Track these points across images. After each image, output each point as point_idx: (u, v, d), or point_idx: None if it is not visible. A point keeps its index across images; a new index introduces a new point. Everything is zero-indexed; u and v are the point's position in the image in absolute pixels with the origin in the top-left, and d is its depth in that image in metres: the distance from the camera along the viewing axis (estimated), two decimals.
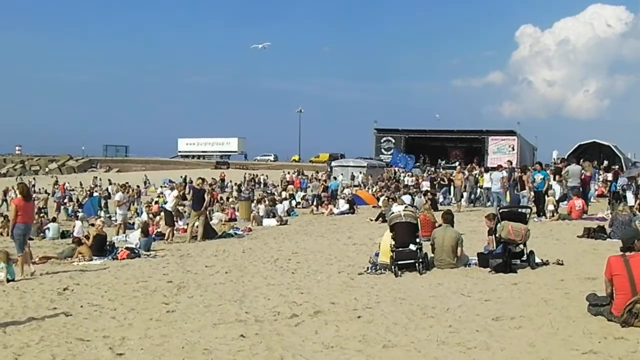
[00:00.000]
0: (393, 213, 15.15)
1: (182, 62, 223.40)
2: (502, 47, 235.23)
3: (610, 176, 44.41)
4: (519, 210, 15.86)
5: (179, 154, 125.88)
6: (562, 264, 14.14)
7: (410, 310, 10.33)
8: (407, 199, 32.79)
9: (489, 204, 32.76)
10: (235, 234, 25.12)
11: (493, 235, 14.56)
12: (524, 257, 14.06)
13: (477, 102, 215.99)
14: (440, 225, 18.70)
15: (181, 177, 64.63)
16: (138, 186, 52.27)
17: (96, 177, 72.61)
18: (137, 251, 19.49)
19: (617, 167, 56.26)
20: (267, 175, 73.27)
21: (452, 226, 15.47)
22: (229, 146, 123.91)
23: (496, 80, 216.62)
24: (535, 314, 9.68)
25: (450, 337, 8.49)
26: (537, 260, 14.08)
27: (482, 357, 7.65)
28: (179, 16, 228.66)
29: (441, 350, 7.97)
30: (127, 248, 19.56)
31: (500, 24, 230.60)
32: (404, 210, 14.93)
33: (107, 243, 20.05)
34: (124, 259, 18.61)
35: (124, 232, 25.33)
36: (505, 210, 15.51)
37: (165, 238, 23.45)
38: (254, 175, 72.96)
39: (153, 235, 23.04)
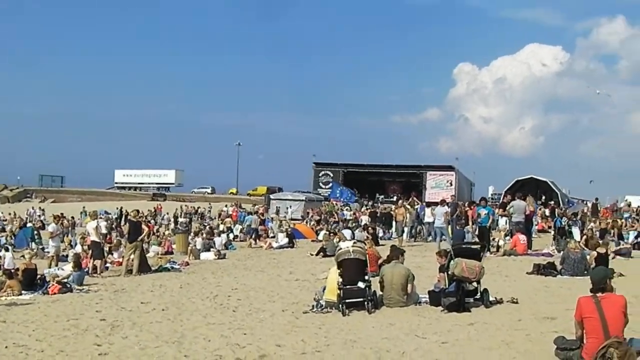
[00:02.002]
0: (341, 249, 14.29)
1: (119, 94, 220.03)
2: (440, 84, 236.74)
3: (547, 212, 44.64)
4: (472, 247, 15.25)
5: (116, 185, 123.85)
6: (517, 302, 13.61)
7: (363, 354, 9.57)
8: (347, 233, 32.21)
9: (430, 238, 32.42)
10: (172, 267, 24.12)
11: (445, 273, 13.86)
12: (478, 295, 13.46)
13: (414, 137, 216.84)
14: (385, 261, 18.19)
15: (117, 208, 63.30)
16: (72, 217, 50.68)
17: (32, 208, 70.65)
18: (69, 285, 18.40)
19: (553, 202, 56.74)
20: (209, 208, 72.10)
21: (402, 262, 14.76)
22: (167, 178, 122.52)
23: (433, 117, 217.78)
24: (498, 359, 9.01)
25: None
26: (491, 298, 13.47)
27: None
28: (115, 46, 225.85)
29: None
30: (58, 282, 18.45)
31: (438, 62, 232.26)
32: (353, 246, 14.14)
33: (38, 276, 18.93)
34: (55, 293, 17.50)
35: (57, 265, 24.12)
36: (459, 246, 14.87)
37: (98, 272, 22.35)
38: (193, 207, 71.65)
39: (87, 269, 21.93)
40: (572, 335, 9.13)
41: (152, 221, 53.61)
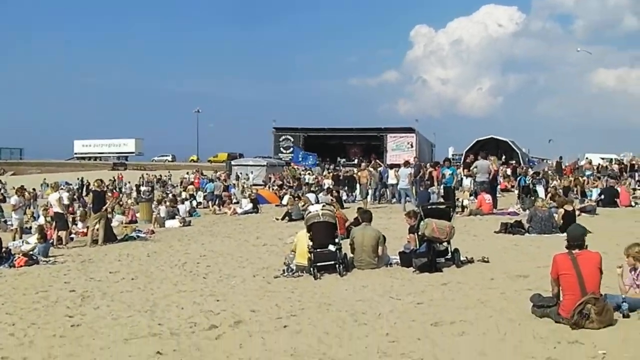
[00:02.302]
0: (310, 212, 14.19)
1: (77, 62, 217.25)
2: (397, 47, 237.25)
3: (509, 171, 44.91)
4: (442, 207, 15.18)
5: (75, 155, 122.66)
6: (488, 262, 13.67)
7: (339, 317, 9.49)
8: (311, 197, 32.16)
9: (394, 200, 32.43)
10: (138, 236, 23.79)
11: (415, 233, 13.81)
12: (449, 256, 13.47)
13: (373, 100, 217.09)
14: (353, 224, 18.14)
15: (78, 179, 62.65)
16: (34, 189, 49.96)
17: None
18: (35, 257, 18.08)
19: (514, 161, 57.14)
20: (169, 176, 71.57)
21: (370, 224, 14.69)
22: (126, 147, 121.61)
23: (391, 79, 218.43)
24: (475, 317, 8.99)
25: (391, 348, 7.69)
26: (462, 258, 13.49)
27: None
28: (71, 14, 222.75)
29: None
30: (24, 255, 18.14)
31: (395, 24, 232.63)
32: (322, 209, 14.04)
33: (3, 249, 18.58)
34: (21, 266, 17.13)
35: (21, 237, 23.75)
36: (428, 207, 14.77)
37: (64, 243, 22.03)
38: (154, 176, 71.03)
39: (51, 241, 21.61)
40: (546, 292, 9.15)
41: (116, 190, 53.22)
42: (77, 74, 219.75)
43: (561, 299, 8.52)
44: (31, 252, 18.47)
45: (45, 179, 62.91)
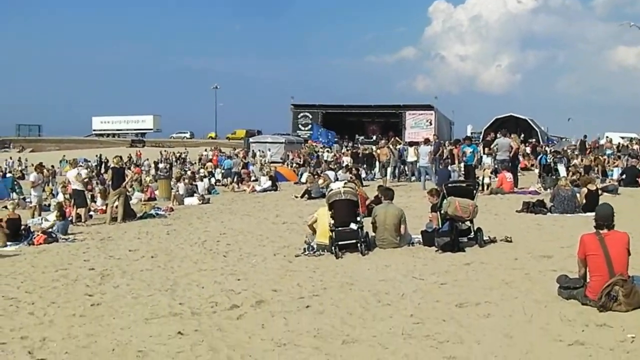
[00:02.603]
0: (332, 190, 14.05)
1: (95, 40, 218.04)
2: (415, 23, 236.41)
3: (529, 150, 44.60)
4: (465, 185, 15.01)
5: (94, 132, 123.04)
6: (511, 241, 13.52)
7: (363, 297, 9.38)
8: (330, 174, 32.06)
9: (413, 178, 32.30)
10: (157, 214, 23.77)
11: (437, 212, 13.65)
12: (471, 235, 13.33)
13: (391, 77, 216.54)
14: (373, 202, 18.01)
15: (96, 156, 62.77)
16: (53, 166, 50.04)
17: (10, 158, 69.70)
18: (54, 235, 18.06)
19: (534, 140, 56.75)
20: (187, 153, 71.67)
21: (392, 202, 14.54)
22: (144, 124, 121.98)
23: (409, 56, 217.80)
24: (500, 298, 8.86)
25: (416, 329, 7.58)
26: (485, 237, 13.34)
27: (458, 353, 6.74)
28: None
29: (410, 345, 7.05)
30: (43, 232, 18.11)
31: (413, 0, 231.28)
32: (344, 187, 13.87)
33: (22, 227, 18.58)
34: (40, 244, 17.11)
35: (40, 215, 23.73)
36: (451, 185, 14.57)
37: (83, 220, 22.02)
38: (173, 153, 71.10)
39: (70, 218, 21.61)
40: (572, 273, 9.01)
41: (138, 167, 53.44)
42: (96, 52, 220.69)
43: (588, 280, 8.37)
44: (50, 230, 18.47)
45: (64, 155, 63.24)
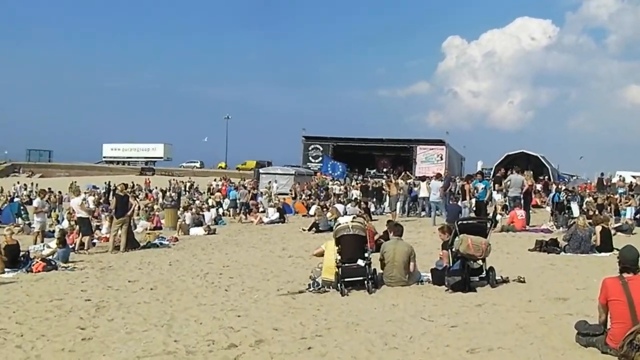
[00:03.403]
0: (340, 224, 13.51)
1: (108, 66, 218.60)
2: (428, 58, 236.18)
3: (540, 187, 44.08)
4: (478, 222, 14.49)
5: (104, 159, 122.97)
6: (524, 282, 12.97)
7: (368, 339, 8.85)
8: (340, 207, 31.65)
9: (423, 213, 31.94)
10: (161, 243, 23.44)
11: (448, 250, 13.12)
12: (483, 274, 12.78)
13: (403, 111, 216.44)
14: (382, 237, 17.54)
15: (105, 182, 62.48)
16: (60, 192, 49.78)
17: (17, 183, 69.35)
18: (54, 263, 17.66)
19: (545, 177, 56.27)
20: (193, 182, 71.34)
21: (402, 238, 14.04)
22: (155, 152, 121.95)
23: (422, 90, 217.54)
24: (514, 344, 8.32)
25: None
26: (497, 277, 12.80)
27: None
28: (102, 20, 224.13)
29: None
30: (43, 260, 17.69)
31: (427, 35, 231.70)
32: (352, 221, 13.32)
33: (22, 253, 18.15)
34: (39, 271, 16.78)
35: (42, 241, 23.31)
36: (464, 222, 14.05)
37: (86, 248, 21.63)
38: (182, 182, 70.70)
39: (73, 245, 21.20)
40: (589, 318, 8.54)
41: (149, 193, 53.44)
42: (108, 78, 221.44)
43: (609, 327, 7.85)
44: (50, 257, 18.06)
45: (74, 181, 62.91)
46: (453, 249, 12.80)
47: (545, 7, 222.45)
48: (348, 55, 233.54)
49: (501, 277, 13.00)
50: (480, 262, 12.83)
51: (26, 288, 14.17)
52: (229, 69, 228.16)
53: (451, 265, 12.76)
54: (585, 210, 24.43)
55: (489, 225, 13.85)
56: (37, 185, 64.42)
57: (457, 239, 12.73)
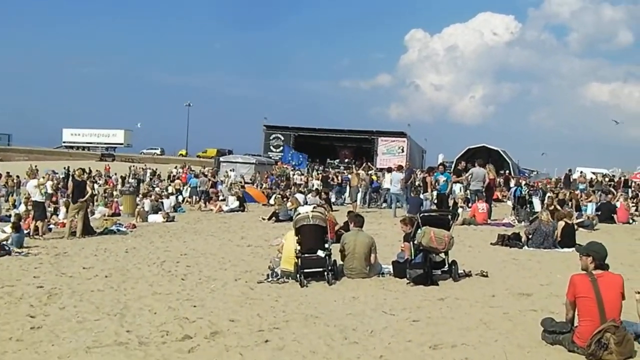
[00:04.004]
0: (299, 214, 13.17)
1: (68, 51, 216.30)
2: (391, 50, 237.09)
3: (501, 181, 44.12)
4: (441, 214, 14.22)
5: (64, 144, 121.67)
6: (487, 276, 12.75)
7: (327, 332, 8.54)
8: (300, 197, 31.41)
9: (384, 205, 31.78)
10: (118, 230, 22.96)
11: (410, 242, 12.82)
12: (445, 268, 12.53)
13: (365, 103, 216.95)
14: (343, 228, 17.29)
15: (64, 168, 61.59)
16: (18, 176, 48.81)
17: None
18: (7, 248, 17.11)
19: (506, 171, 56.46)
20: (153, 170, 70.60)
21: (362, 230, 13.74)
22: (115, 138, 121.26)
23: (384, 83, 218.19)
24: (478, 341, 8.06)
25: None
26: (459, 270, 12.55)
27: None
28: (66, 5, 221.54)
29: None
30: None
31: (390, 27, 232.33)
32: (312, 211, 12.99)
33: None
34: None
35: None
36: (427, 214, 13.76)
37: (41, 233, 21.09)
38: (142, 168, 69.81)
39: (28, 231, 20.65)
40: (553, 314, 8.37)
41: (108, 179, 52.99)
42: (70, 63, 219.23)
43: (576, 325, 7.63)
44: (4, 242, 17.52)
45: (34, 165, 61.91)
46: (415, 242, 12.49)
47: (507, 3, 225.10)
48: (312, 46, 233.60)
49: (464, 270, 12.76)
50: (442, 255, 12.56)
51: None
52: (193, 58, 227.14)
53: (413, 257, 12.47)
54: (547, 205, 24.22)
55: (451, 218, 13.58)
56: None
57: (419, 231, 12.43)
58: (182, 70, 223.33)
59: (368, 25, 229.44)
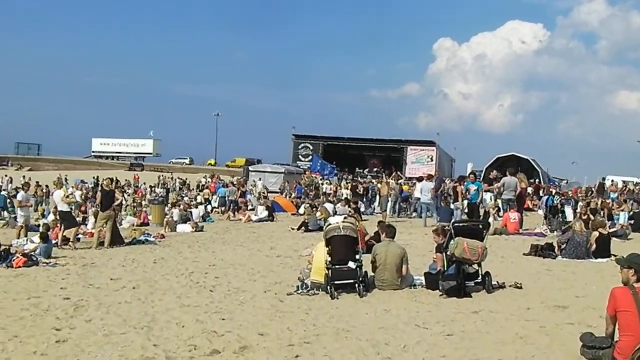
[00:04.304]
0: (330, 224, 12.96)
1: (98, 61, 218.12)
2: (419, 59, 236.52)
3: (531, 190, 43.67)
4: (475, 225, 13.93)
5: (93, 154, 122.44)
6: (521, 287, 12.46)
7: (359, 347, 8.33)
8: (329, 207, 31.18)
9: (414, 214, 31.54)
10: (147, 240, 22.83)
11: (443, 253, 12.57)
12: (479, 279, 12.28)
13: (393, 112, 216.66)
14: (373, 238, 17.08)
15: (93, 177, 61.87)
16: (47, 185, 48.96)
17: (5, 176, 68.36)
18: (35, 258, 17.05)
19: (536, 180, 55.96)
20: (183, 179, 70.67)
21: (394, 240, 13.50)
22: (144, 148, 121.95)
23: (412, 92, 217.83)
24: (515, 356, 7.84)
25: None
26: (493, 282, 12.29)
27: None
28: (97, 13, 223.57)
29: None
30: (23, 255, 17.11)
31: (418, 36, 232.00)
32: (343, 222, 12.78)
33: (2, 248, 17.52)
34: (19, 267, 16.14)
35: (26, 235, 22.70)
36: (460, 224, 13.51)
37: (71, 240, 21.06)
38: (171, 178, 69.93)
39: (56, 241, 20.58)
40: (591, 328, 8.15)
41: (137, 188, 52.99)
42: (100, 73, 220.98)
43: (617, 339, 7.36)
44: (32, 253, 17.47)
45: (65, 175, 62.18)
46: (448, 252, 12.25)
47: (536, 11, 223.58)
48: (339, 57, 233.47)
49: (497, 282, 12.50)
50: (475, 266, 12.33)
51: (4, 284, 13.58)
52: (220, 68, 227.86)
53: (445, 269, 12.23)
54: (580, 214, 23.83)
55: (484, 229, 13.30)
56: (29, 178, 63.73)
57: (452, 242, 12.19)
58: (210, 82, 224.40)
59: (396, 35, 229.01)
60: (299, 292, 12.35)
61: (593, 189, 46.33)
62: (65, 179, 56.08)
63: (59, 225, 22.40)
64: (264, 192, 46.46)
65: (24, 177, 62.59)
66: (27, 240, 21.07)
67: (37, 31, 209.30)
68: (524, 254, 17.84)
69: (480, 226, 13.35)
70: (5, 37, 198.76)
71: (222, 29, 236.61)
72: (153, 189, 54.02)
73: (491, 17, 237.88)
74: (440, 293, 11.82)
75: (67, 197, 22.98)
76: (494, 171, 35.51)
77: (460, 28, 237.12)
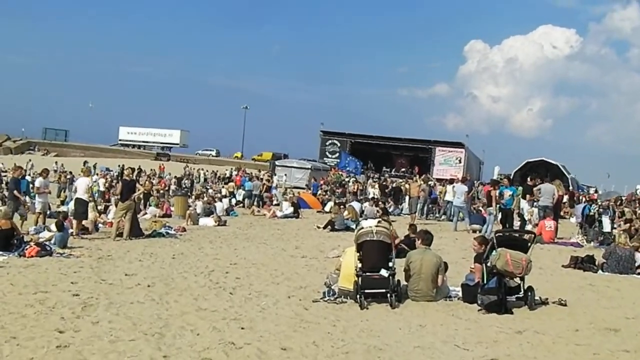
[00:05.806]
0: (362, 228, 12.05)
1: (128, 51, 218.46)
2: (450, 60, 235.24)
3: (566, 197, 42.54)
4: (520, 235, 12.93)
5: (120, 142, 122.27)
6: (565, 305, 11.48)
7: None
8: (356, 205, 30.40)
9: (443, 217, 30.72)
10: (167, 233, 22.14)
11: (483, 264, 11.62)
12: (521, 294, 11.32)
13: (422, 112, 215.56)
14: (404, 241, 16.27)
15: (118, 166, 61.42)
16: (71, 172, 48.34)
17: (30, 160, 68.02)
18: (48, 248, 16.33)
19: (571, 187, 54.87)
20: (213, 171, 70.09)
21: (430, 248, 12.57)
22: (171, 138, 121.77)
23: (441, 92, 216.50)
24: None
25: None
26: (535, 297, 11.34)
27: None
28: (127, 4, 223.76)
29: None
30: (37, 244, 16.37)
31: (449, 37, 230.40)
32: (377, 226, 11.90)
33: (16, 237, 16.76)
34: (32, 256, 15.42)
35: (44, 222, 22.03)
36: (503, 234, 12.55)
37: (90, 231, 20.47)
38: (207, 171, 69.29)
39: (71, 230, 19.83)
40: None
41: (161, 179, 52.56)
42: (129, 62, 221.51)
43: None
44: (46, 242, 16.75)
45: (93, 164, 61.80)
46: (488, 264, 11.32)
47: (569, 17, 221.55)
48: (370, 54, 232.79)
49: (539, 297, 11.53)
50: (517, 279, 11.37)
51: (12, 276, 12.87)
52: (251, 61, 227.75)
53: (485, 281, 11.30)
54: (629, 227, 22.71)
55: (533, 240, 12.32)
56: (61, 164, 63.30)
57: (494, 252, 11.24)
58: (240, 73, 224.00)
59: (427, 35, 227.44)
60: (325, 299, 11.53)
61: (623, 198, 45.11)
62: (94, 167, 55.85)
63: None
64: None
65: (55, 163, 62.56)
66: (44, 227, 20.42)
67: (68, 18, 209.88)
68: (563, 265, 16.87)
69: (526, 237, 12.39)
70: (37, 24, 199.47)
71: (262, 22, 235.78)
72: (180, 180, 53.26)
73: (523, 21, 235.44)
74: (479, 308, 10.92)
75: (90, 188, 22.27)
76: (538, 179, 34.37)
77: (492, 31, 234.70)
